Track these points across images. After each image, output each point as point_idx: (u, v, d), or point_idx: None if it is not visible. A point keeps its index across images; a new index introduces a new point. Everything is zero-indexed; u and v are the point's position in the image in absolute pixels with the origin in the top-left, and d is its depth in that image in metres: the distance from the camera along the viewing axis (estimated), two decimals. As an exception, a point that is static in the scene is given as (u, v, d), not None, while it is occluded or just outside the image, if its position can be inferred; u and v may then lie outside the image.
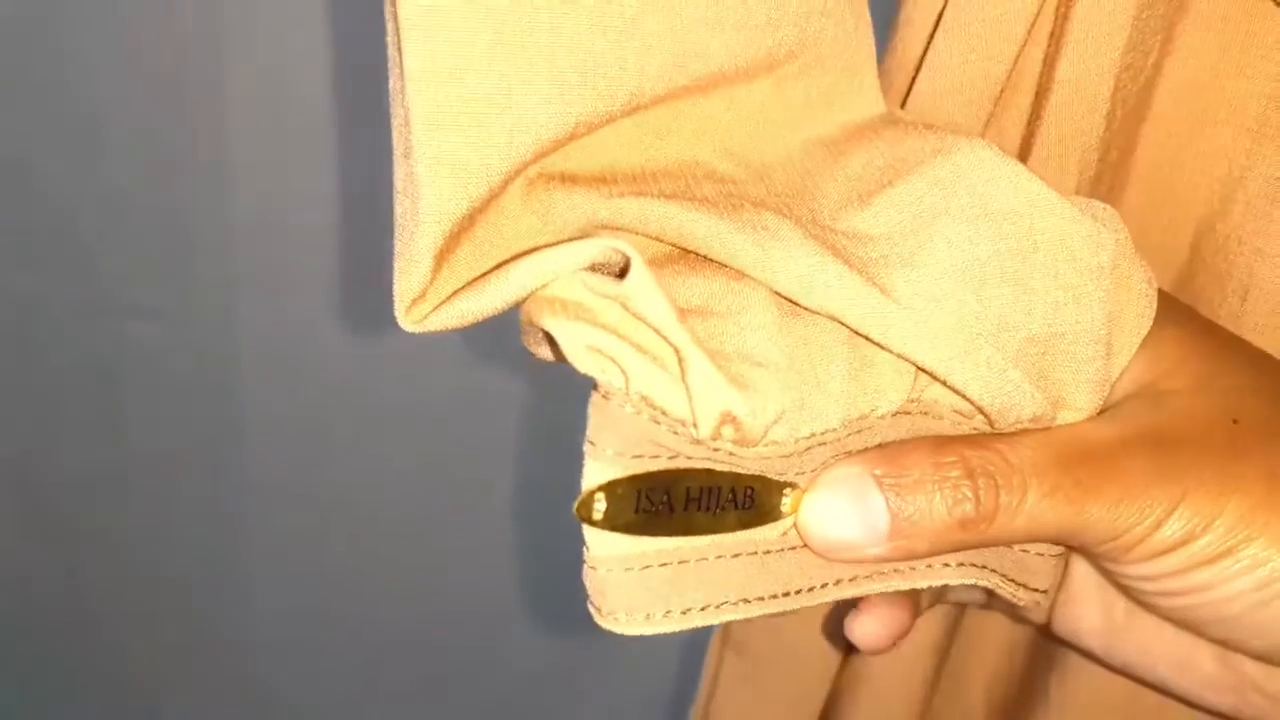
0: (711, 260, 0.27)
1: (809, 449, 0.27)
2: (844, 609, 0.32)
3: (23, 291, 0.79)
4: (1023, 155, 0.36)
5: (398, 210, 0.25)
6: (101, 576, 0.91)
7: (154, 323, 0.80)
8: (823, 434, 0.27)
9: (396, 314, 0.26)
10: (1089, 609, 0.33)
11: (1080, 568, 0.33)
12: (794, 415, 0.26)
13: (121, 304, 0.80)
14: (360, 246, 0.76)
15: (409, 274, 0.25)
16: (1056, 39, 0.34)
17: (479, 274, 0.27)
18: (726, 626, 0.47)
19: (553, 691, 0.96)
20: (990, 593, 0.31)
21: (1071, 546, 0.30)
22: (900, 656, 0.42)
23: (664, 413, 0.25)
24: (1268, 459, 0.28)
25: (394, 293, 0.26)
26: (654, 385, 0.25)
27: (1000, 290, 0.27)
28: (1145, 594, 0.29)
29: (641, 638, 0.26)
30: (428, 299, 0.26)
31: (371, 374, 0.79)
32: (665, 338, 0.25)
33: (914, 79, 0.36)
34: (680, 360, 0.25)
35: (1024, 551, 0.30)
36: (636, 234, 0.27)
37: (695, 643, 0.52)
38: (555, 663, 0.93)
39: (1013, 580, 0.30)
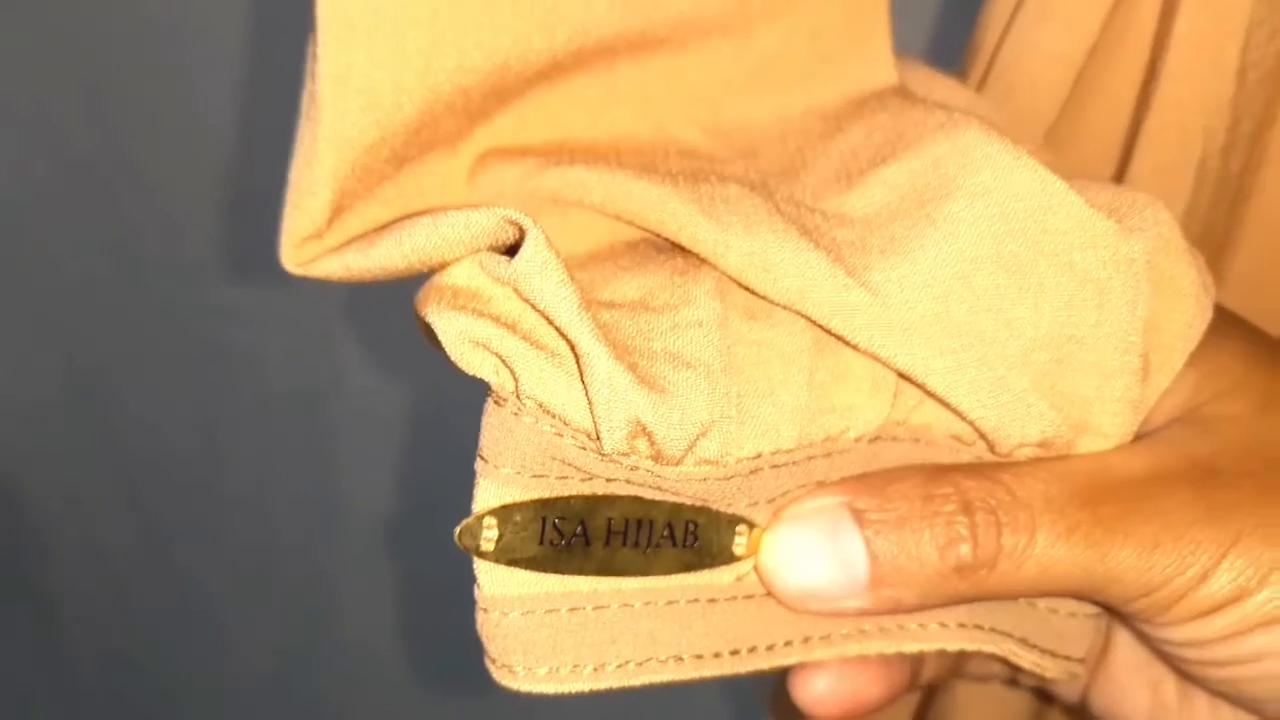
0: (662, 253, 0.24)
1: (756, 471, 0.23)
2: None
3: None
4: (1135, 123, 0.32)
5: (298, 138, 0.22)
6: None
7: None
8: (773, 454, 0.23)
9: (281, 251, 0.23)
10: (1133, 687, 0.28)
11: (1123, 636, 0.28)
12: (730, 428, 0.22)
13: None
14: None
15: (301, 206, 0.22)
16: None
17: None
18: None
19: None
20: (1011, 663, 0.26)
21: (1098, 603, 0.25)
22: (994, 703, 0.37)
23: (564, 421, 0.21)
24: None
25: (282, 227, 0.22)
26: (548, 388, 0.21)
27: (998, 278, 0.23)
28: (1189, 664, 0.25)
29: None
30: (324, 240, 0.23)
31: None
32: (558, 326, 0.21)
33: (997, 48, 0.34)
34: (577, 356, 0.21)
35: (1052, 611, 0.26)
36: (580, 210, 0.24)
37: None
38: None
39: (1036, 647, 0.26)
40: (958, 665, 0.30)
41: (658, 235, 0.24)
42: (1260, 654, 0.23)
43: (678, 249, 0.24)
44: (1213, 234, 0.34)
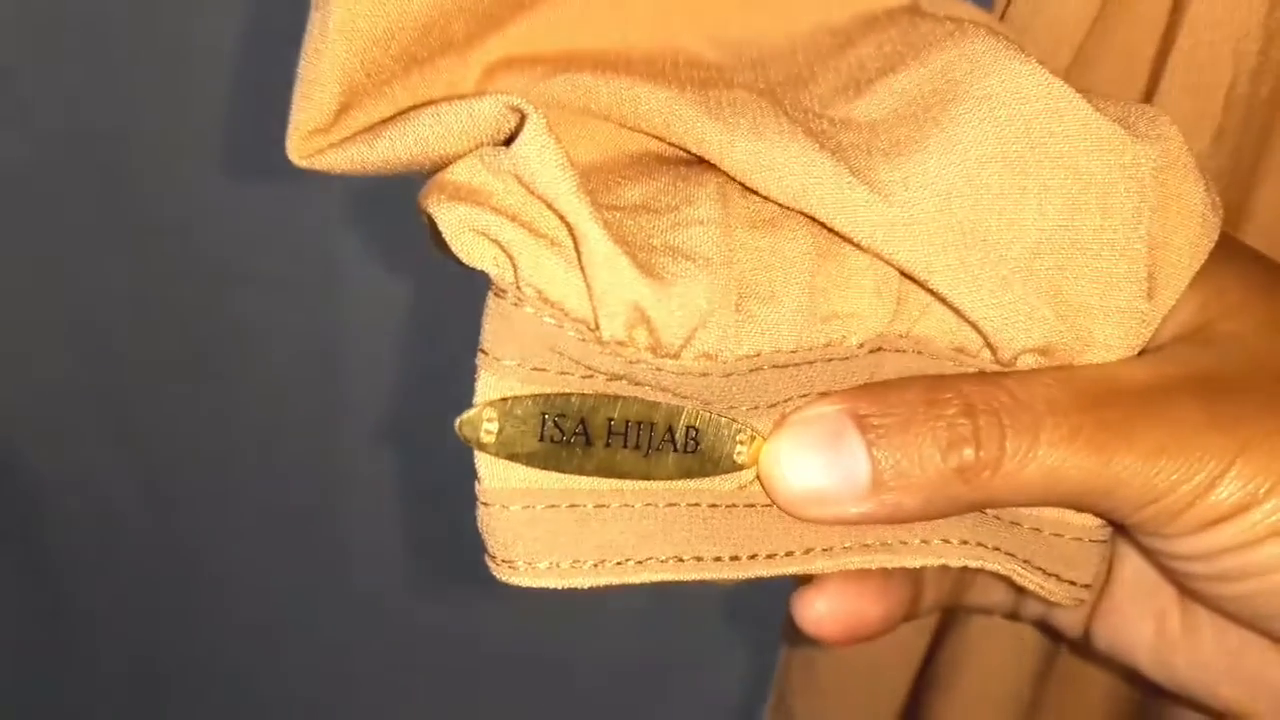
0: (665, 163, 0.24)
1: (756, 370, 0.23)
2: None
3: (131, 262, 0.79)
4: (1165, 44, 0.32)
5: (308, 29, 0.22)
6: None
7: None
8: (772, 354, 0.23)
9: (288, 143, 0.23)
10: (1136, 619, 0.29)
11: (1126, 568, 0.29)
12: (729, 323, 0.22)
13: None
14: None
15: (309, 97, 0.22)
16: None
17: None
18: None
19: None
20: (1017, 589, 0.26)
21: (1103, 514, 0.25)
22: (1006, 642, 0.38)
23: (564, 312, 0.22)
24: None
25: (290, 119, 0.22)
26: (547, 275, 0.21)
27: (1002, 178, 0.23)
28: (1197, 579, 0.24)
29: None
30: (330, 134, 0.23)
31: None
32: (557, 210, 0.21)
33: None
34: (576, 241, 0.21)
35: (1057, 535, 0.25)
36: (585, 119, 0.24)
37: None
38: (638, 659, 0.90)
39: (1041, 569, 0.25)
40: (958, 592, 0.30)
41: (663, 140, 0.24)
42: (1270, 566, 0.23)
43: (680, 160, 0.24)
44: (1241, 159, 0.34)
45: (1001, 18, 0.34)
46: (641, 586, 0.23)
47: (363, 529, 0.89)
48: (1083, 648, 0.30)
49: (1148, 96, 0.34)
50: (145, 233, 0.76)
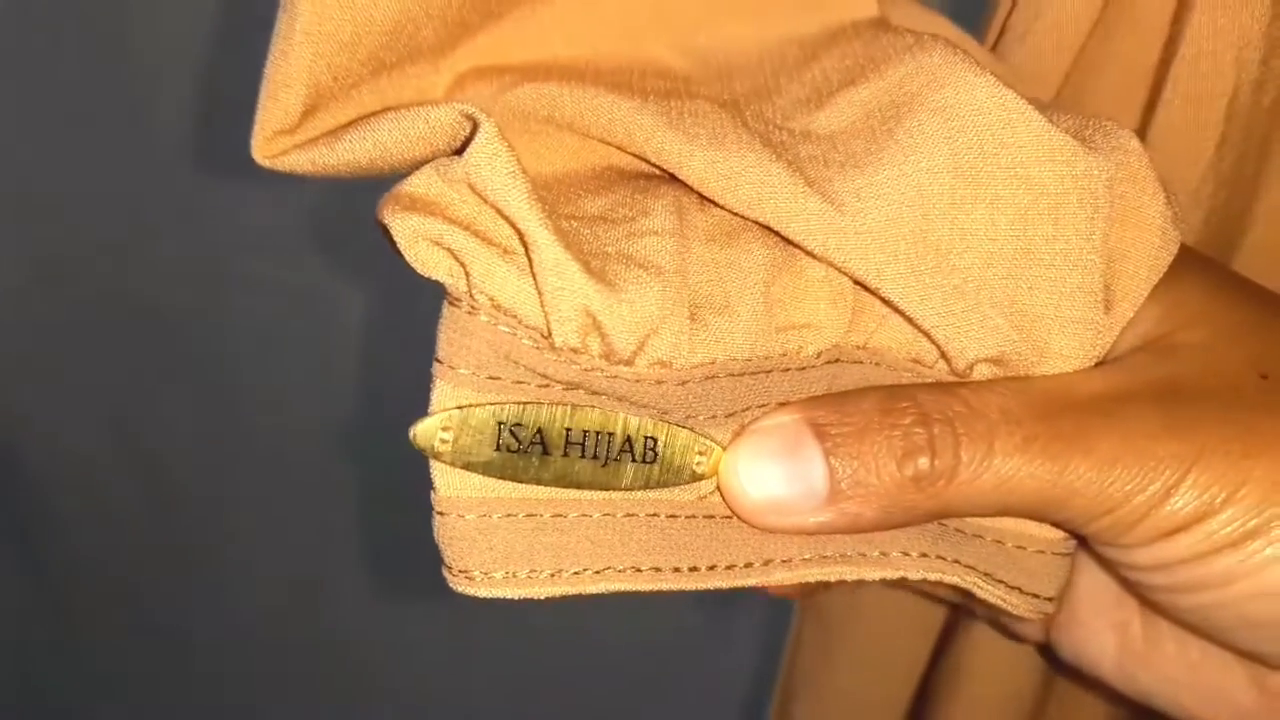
0: (624, 178, 0.24)
1: (712, 378, 0.23)
2: None
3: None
4: (1168, 52, 0.32)
5: (275, 31, 0.23)
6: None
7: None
8: (728, 363, 0.23)
9: (252, 143, 0.23)
10: (1099, 630, 0.28)
11: (1085, 579, 0.28)
12: (683, 331, 0.22)
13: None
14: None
15: (275, 98, 0.23)
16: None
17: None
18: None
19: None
20: (979, 602, 0.26)
21: (1061, 525, 0.25)
22: (1009, 650, 0.38)
23: (517, 319, 0.22)
24: None
25: (255, 120, 0.23)
26: (499, 282, 0.22)
27: (954, 188, 0.23)
28: (1154, 590, 0.24)
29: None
30: (295, 135, 0.23)
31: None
32: (508, 217, 0.21)
33: None
34: (527, 248, 0.21)
35: (1020, 548, 0.25)
36: (548, 130, 0.25)
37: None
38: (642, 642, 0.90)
39: (1003, 582, 0.25)
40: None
41: (625, 150, 0.24)
42: (1227, 577, 0.22)
43: (641, 174, 0.25)
44: (1243, 168, 0.33)
45: (1003, 28, 0.34)
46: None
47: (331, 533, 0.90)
48: (1047, 656, 0.30)
49: (1150, 105, 0.33)
50: (125, 233, 0.78)
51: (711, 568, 0.24)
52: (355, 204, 0.26)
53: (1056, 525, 0.25)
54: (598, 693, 0.93)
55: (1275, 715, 0.26)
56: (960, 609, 0.38)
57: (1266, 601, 0.22)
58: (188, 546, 0.92)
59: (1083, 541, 0.25)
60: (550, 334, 0.22)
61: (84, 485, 0.89)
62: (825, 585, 0.26)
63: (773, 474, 0.23)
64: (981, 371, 0.24)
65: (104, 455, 0.87)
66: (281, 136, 0.23)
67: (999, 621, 0.31)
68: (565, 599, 0.23)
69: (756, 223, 0.23)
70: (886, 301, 0.24)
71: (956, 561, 0.25)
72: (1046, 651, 0.31)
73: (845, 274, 0.23)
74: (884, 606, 0.41)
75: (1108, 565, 0.26)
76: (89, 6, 0.69)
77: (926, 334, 0.24)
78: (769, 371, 0.24)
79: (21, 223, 0.77)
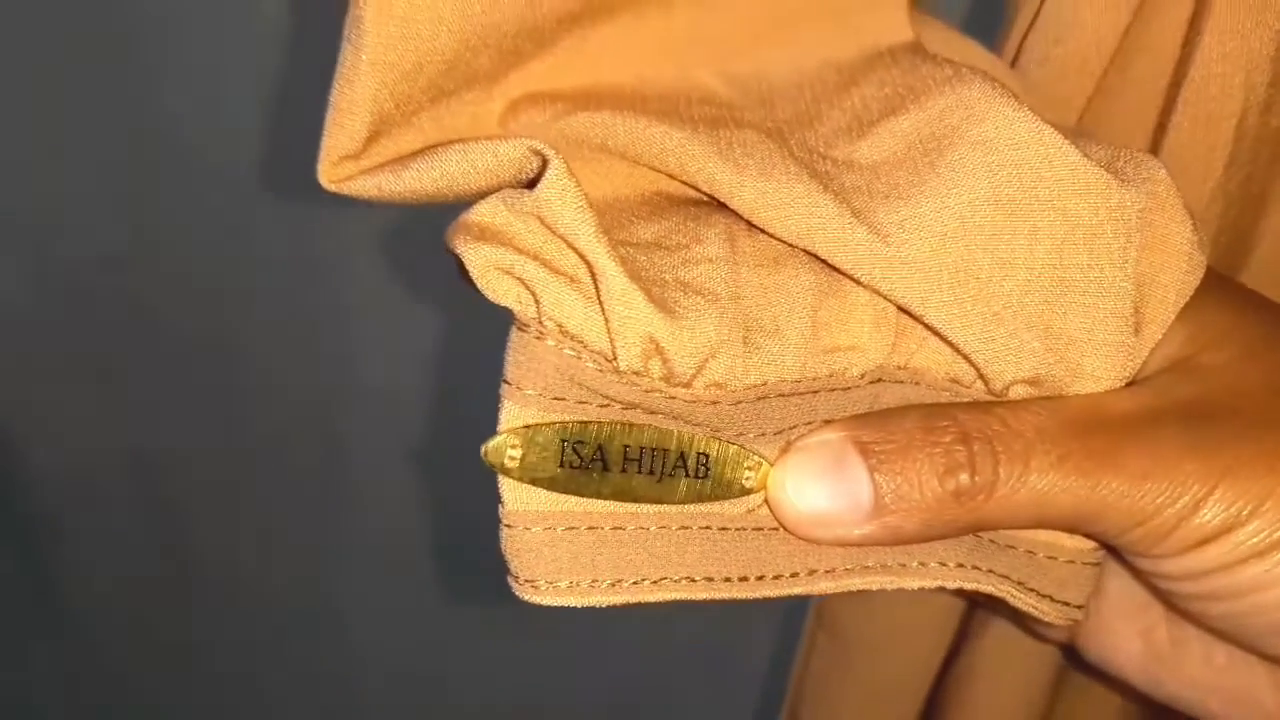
0: (675, 204, 0.26)
1: (763, 398, 0.24)
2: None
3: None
4: (1178, 76, 0.33)
5: (340, 59, 0.24)
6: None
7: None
8: (778, 384, 0.24)
9: (319, 168, 0.24)
10: (1126, 634, 0.30)
11: (1113, 585, 0.30)
12: (737, 354, 0.24)
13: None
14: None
15: (340, 125, 0.24)
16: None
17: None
18: (819, 603, 0.44)
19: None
20: (1011, 610, 0.27)
21: (1094, 537, 0.26)
22: (1021, 654, 0.38)
23: (583, 344, 0.23)
24: None
25: (321, 144, 0.24)
26: (567, 310, 0.23)
27: (995, 220, 0.24)
28: (1184, 599, 0.26)
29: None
30: (360, 160, 0.24)
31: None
32: (577, 249, 0.23)
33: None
34: (594, 277, 0.23)
35: (1050, 558, 0.27)
36: (602, 156, 0.26)
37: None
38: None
39: (1034, 591, 0.27)
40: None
41: (676, 179, 0.26)
42: (1255, 585, 0.23)
43: (690, 200, 0.26)
44: (1250, 188, 0.34)
45: (1019, 49, 0.35)
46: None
47: (384, 549, 0.91)
48: (1075, 660, 0.31)
49: (1161, 126, 0.34)
50: (165, 241, 0.78)
51: (760, 577, 0.25)
52: (425, 223, 0.27)
53: (1089, 537, 0.26)
54: (610, 698, 0.94)
55: None
56: (976, 611, 0.39)
57: None
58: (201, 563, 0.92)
59: (1113, 551, 0.26)
60: (615, 358, 0.23)
61: (86, 487, 0.89)
62: (863, 592, 0.27)
63: (819, 489, 0.24)
64: (1018, 392, 0.25)
65: (109, 459, 0.87)
66: (347, 162, 0.24)
67: (1025, 624, 0.32)
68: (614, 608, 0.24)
69: (804, 250, 0.25)
70: (929, 326, 0.25)
71: (991, 571, 0.26)
72: (1070, 653, 0.31)
73: (890, 301, 0.25)
74: (896, 615, 0.42)
75: (1139, 575, 0.27)
76: (159, 35, 0.70)
77: (965, 357, 0.25)
78: (816, 392, 0.25)
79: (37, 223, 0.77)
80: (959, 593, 0.28)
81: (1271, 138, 0.33)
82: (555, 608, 0.24)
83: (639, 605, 0.24)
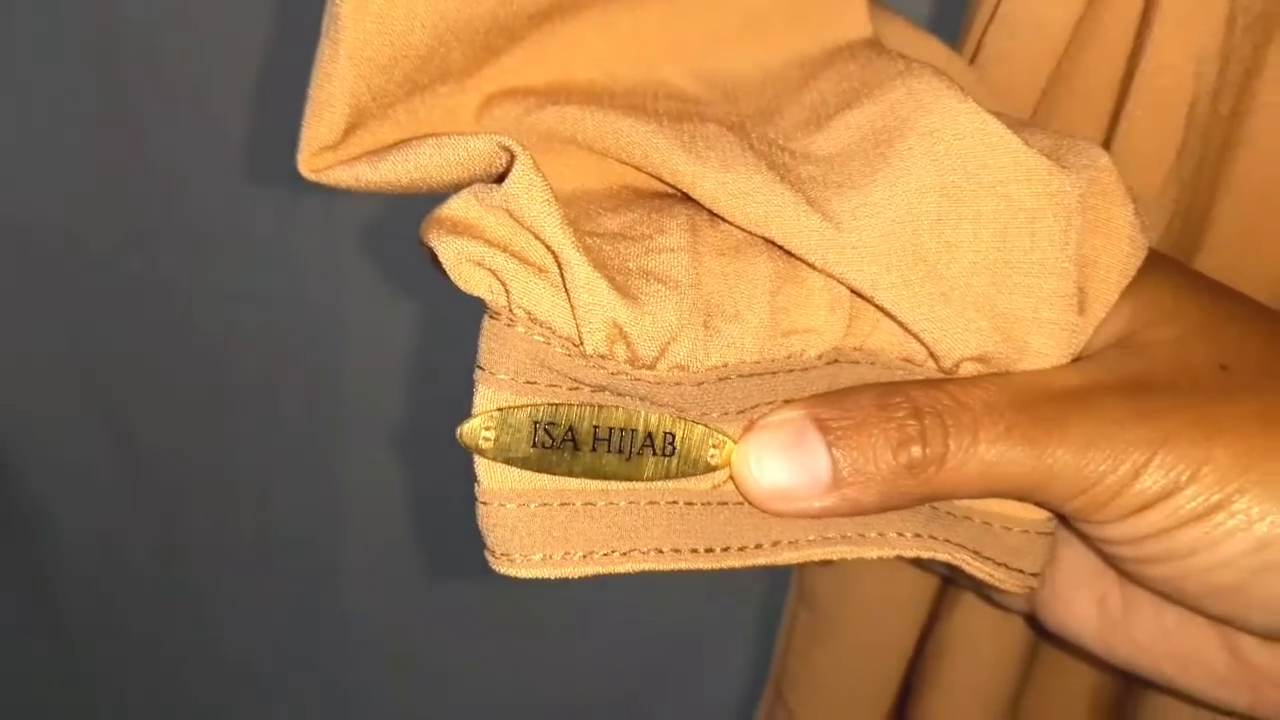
0: (640, 197, 0.27)
1: (725, 379, 0.25)
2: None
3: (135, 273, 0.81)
4: (1131, 65, 0.34)
5: (318, 54, 0.25)
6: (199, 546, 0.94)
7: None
8: (738, 365, 0.25)
9: (298, 157, 0.25)
10: (1080, 601, 0.31)
11: (1067, 553, 0.31)
12: (698, 338, 0.25)
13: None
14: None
15: (319, 116, 0.25)
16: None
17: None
18: (800, 580, 0.46)
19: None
20: (967, 577, 0.29)
21: (1043, 505, 0.27)
22: (992, 627, 0.40)
23: (551, 330, 0.24)
24: (1262, 401, 0.25)
25: (301, 135, 0.25)
26: (536, 298, 0.24)
27: (941, 206, 0.25)
28: (1128, 562, 0.27)
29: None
30: (338, 151, 0.25)
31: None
32: (543, 240, 0.24)
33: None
34: (560, 267, 0.24)
35: (1005, 529, 0.28)
36: (570, 150, 0.27)
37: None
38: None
39: (990, 559, 0.28)
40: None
41: (640, 171, 0.27)
42: (1193, 548, 0.25)
43: (655, 192, 0.27)
44: (1203, 173, 0.36)
45: (979, 44, 0.36)
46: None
47: (366, 533, 0.92)
48: (1034, 626, 0.32)
49: (1115, 115, 0.36)
50: (155, 240, 0.79)
51: (726, 549, 0.26)
52: (401, 215, 0.28)
53: (1038, 505, 0.27)
54: (596, 676, 0.95)
55: (1247, 678, 0.28)
56: (949, 587, 0.40)
57: (1229, 569, 0.25)
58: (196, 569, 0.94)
59: (1063, 520, 0.28)
60: (581, 343, 0.24)
61: (79, 484, 0.90)
62: (826, 563, 0.28)
63: (780, 464, 0.25)
64: (967, 369, 0.27)
65: (103, 460, 0.88)
66: (325, 153, 0.25)
67: (987, 594, 0.34)
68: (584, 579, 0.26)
69: (762, 237, 0.26)
70: (880, 308, 0.26)
71: (947, 540, 0.27)
72: (1033, 622, 0.33)
73: (844, 285, 0.26)
74: (871, 590, 0.43)
75: (1088, 541, 0.28)
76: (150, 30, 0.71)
77: (916, 336, 0.26)
78: (775, 373, 0.26)
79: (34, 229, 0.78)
80: (917, 562, 0.30)
81: (1221, 125, 0.35)
82: (544, 586, 0.25)
83: (614, 577, 0.25)
